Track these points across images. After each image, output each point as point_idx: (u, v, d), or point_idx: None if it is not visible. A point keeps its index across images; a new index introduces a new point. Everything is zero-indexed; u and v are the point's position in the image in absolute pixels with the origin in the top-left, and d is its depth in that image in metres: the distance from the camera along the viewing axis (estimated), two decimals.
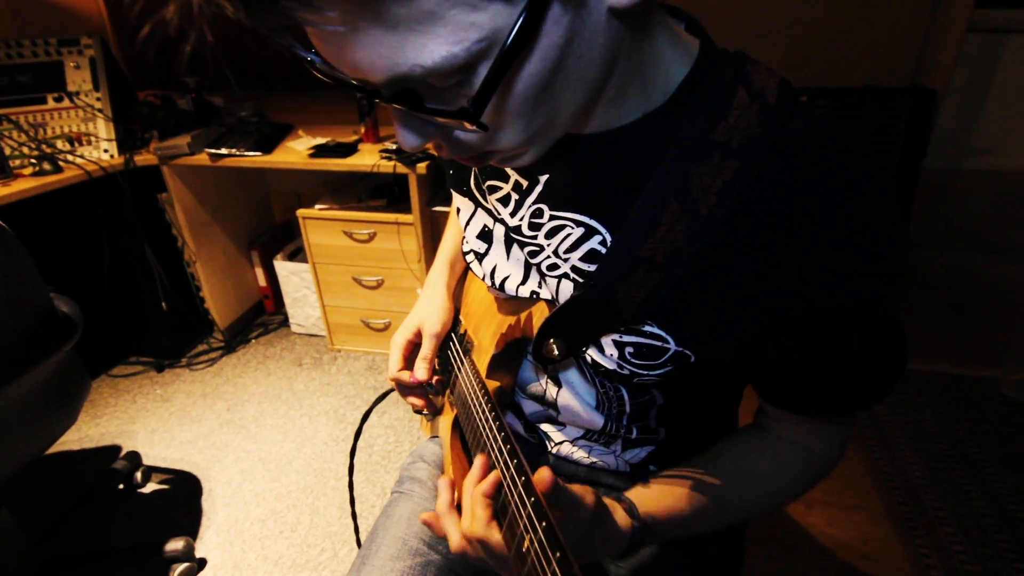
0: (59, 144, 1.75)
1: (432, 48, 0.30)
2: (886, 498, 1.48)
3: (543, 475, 0.42)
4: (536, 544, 0.38)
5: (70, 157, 1.71)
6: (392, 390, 0.81)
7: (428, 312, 0.73)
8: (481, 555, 0.47)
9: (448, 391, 0.72)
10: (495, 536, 0.44)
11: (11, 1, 2.20)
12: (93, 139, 1.80)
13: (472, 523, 0.46)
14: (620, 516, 0.50)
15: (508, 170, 0.55)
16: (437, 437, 0.83)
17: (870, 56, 2.16)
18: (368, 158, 1.75)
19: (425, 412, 0.78)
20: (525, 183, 0.53)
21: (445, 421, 0.72)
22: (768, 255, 0.42)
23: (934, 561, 1.32)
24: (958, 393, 1.82)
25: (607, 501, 0.50)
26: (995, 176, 3.39)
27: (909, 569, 1.31)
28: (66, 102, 1.79)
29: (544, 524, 0.38)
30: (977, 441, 1.64)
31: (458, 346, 0.72)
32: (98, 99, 1.81)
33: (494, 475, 0.47)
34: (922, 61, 2.16)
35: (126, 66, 2.19)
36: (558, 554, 0.36)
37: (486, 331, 0.65)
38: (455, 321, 0.75)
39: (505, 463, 0.46)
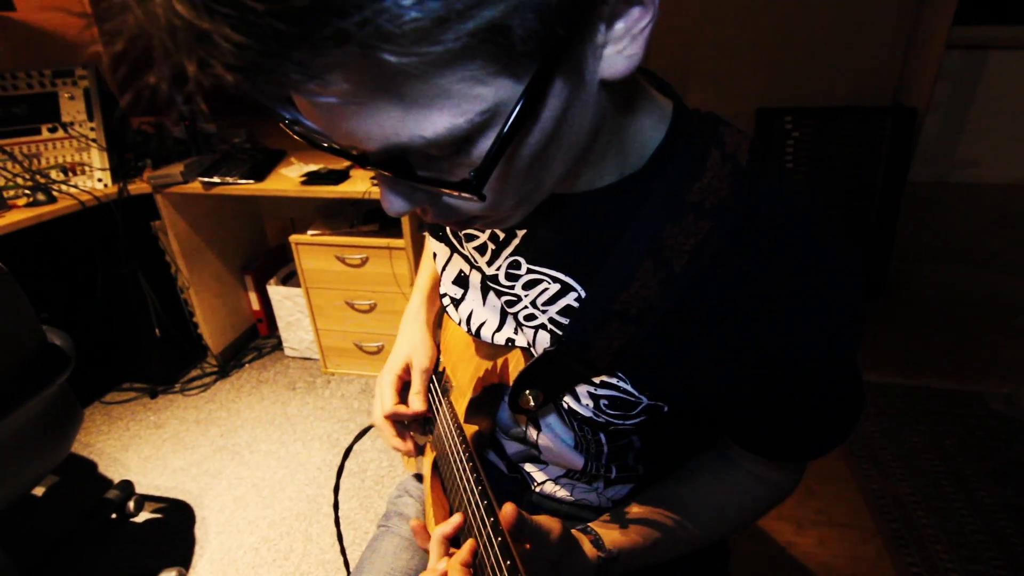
0: (53, 174, 1.77)
1: (435, 120, 0.30)
2: (876, 515, 1.49)
3: (507, 512, 0.43)
4: None
5: (64, 187, 1.73)
6: (371, 426, 0.79)
7: (413, 348, 0.73)
8: None
9: (429, 432, 0.72)
10: None
11: (6, 32, 2.23)
12: (87, 169, 1.82)
13: None
14: (587, 548, 0.52)
15: None
16: (420, 476, 0.83)
17: (852, 76, 2.21)
18: (360, 185, 1.78)
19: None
20: (502, 235, 0.54)
21: (427, 461, 0.72)
22: (738, 313, 0.44)
23: None
24: (946, 408, 1.84)
25: (575, 533, 0.52)
26: (980, 189, 3.45)
27: None
28: (60, 133, 1.81)
29: None
30: (966, 456, 1.66)
31: (437, 386, 0.72)
32: (92, 129, 1.83)
33: (470, 544, 0.47)
34: (903, 79, 2.21)
35: (120, 95, 2.21)
36: None
37: (464, 372, 0.65)
38: (436, 359, 0.76)
39: (482, 519, 0.47)
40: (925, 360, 2.06)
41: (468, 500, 0.51)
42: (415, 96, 0.29)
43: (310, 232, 1.94)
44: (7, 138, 1.76)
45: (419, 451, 0.77)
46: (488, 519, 0.46)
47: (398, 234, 1.83)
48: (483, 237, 0.55)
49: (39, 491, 1.69)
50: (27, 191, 1.66)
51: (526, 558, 0.41)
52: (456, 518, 0.51)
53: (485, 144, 0.31)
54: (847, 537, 1.45)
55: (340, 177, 1.83)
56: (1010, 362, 2.00)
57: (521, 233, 0.52)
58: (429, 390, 0.73)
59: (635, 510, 0.58)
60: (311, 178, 1.83)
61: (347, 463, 0.91)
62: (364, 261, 1.91)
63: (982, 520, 1.46)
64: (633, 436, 0.57)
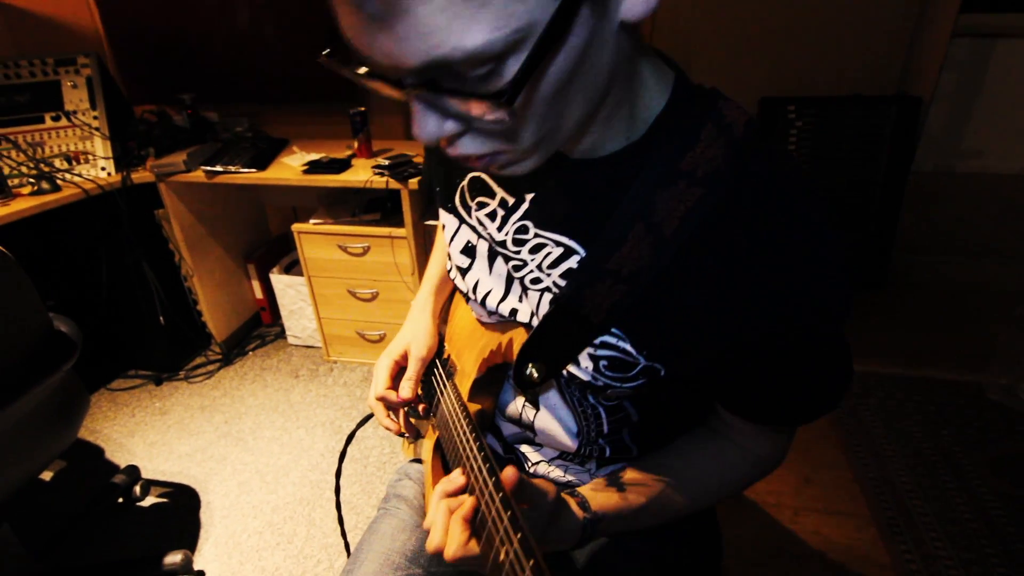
0: (57, 163, 1.78)
1: (475, 32, 0.32)
2: (872, 504, 1.51)
3: (508, 473, 0.46)
4: (512, 555, 0.41)
5: (68, 176, 1.74)
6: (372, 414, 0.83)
7: (414, 336, 0.76)
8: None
9: (431, 415, 0.75)
10: (474, 551, 0.47)
11: (8, 21, 2.23)
12: (90, 157, 1.83)
13: (450, 544, 0.48)
14: (575, 508, 0.55)
15: (495, 187, 0.58)
16: (419, 460, 0.86)
17: (857, 65, 2.19)
18: (362, 174, 1.78)
19: (407, 436, 0.80)
20: (512, 200, 0.56)
21: (427, 444, 0.74)
22: (728, 277, 0.46)
23: (919, 567, 1.34)
24: (944, 398, 1.85)
25: (564, 495, 0.55)
26: (985, 179, 3.42)
27: (894, 574, 1.33)
28: (63, 121, 1.82)
29: (520, 535, 0.41)
30: (963, 446, 1.67)
31: (442, 370, 0.74)
32: (95, 118, 1.84)
33: (471, 501, 0.49)
34: (908, 68, 2.19)
35: (123, 81, 2.22)
36: (532, 562, 0.39)
37: (468, 356, 0.68)
38: (439, 346, 0.78)
39: (484, 480, 0.49)
40: (925, 350, 2.06)
41: (471, 466, 0.53)
42: (459, 6, 0.31)
43: (312, 221, 1.94)
44: (11, 126, 1.78)
45: (417, 436, 0.79)
46: (490, 479, 0.48)
47: (400, 223, 1.84)
48: (493, 204, 0.58)
49: (47, 475, 1.72)
50: (31, 179, 1.67)
51: (524, 515, 0.43)
52: (458, 475, 0.53)
53: (515, 65, 0.34)
54: (843, 525, 1.47)
55: (342, 166, 1.83)
56: (1009, 353, 2.00)
57: (529, 197, 0.55)
58: (433, 374, 0.76)
59: (623, 477, 0.61)
60: (313, 167, 1.83)
61: (349, 449, 0.94)
62: (366, 250, 1.92)
63: (977, 510, 1.47)
64: (630, 407, 0.59)
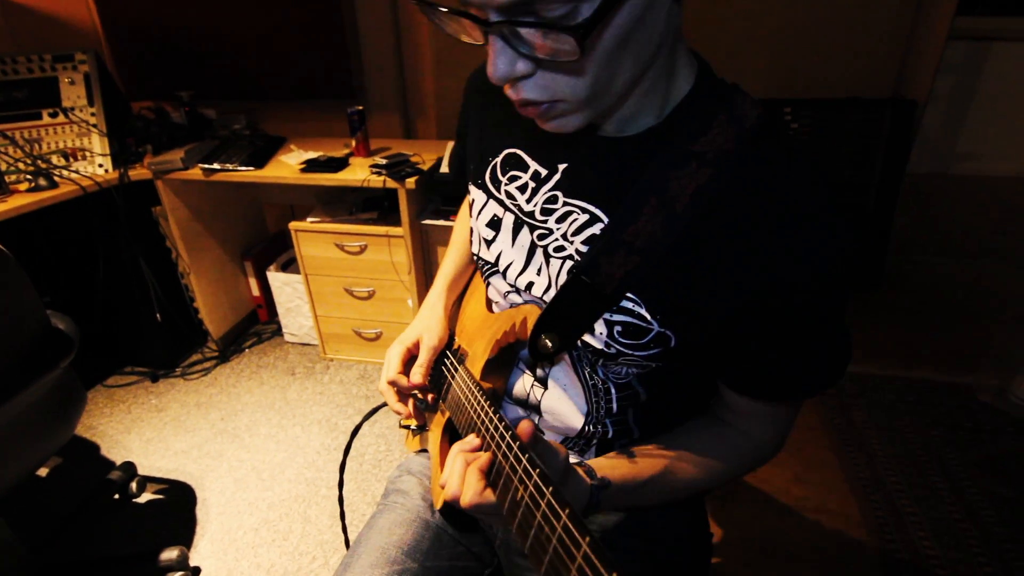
0: (54, 159, 1.78)
1: None
2: (863, 503, 1.52)
3: (524, 425, 0.48)
4: (532, 488, 0.43)
5: (65, 172, 1.74)
6: (381, 406, 0.85)
7: (426, 327, 0.79)
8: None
9: (440, 402, 0.76)
10: (490, 499, 0.49)
11: (6, 17, 2.23)
12: (88, 154, 1.83)
13: (467, 491, 0.50)
14: (582, 475, 0.56)
15: (529, 161, 0.63)
16: (424, 451, 0.87)
17: (853, 68, 2.20)
18: (359, 173, 1.79)
19: (412, 427, 0.82)
20: (544, 172, 0.61)
21: (434, 433, 0.76)
22: (737, 248, 0.50)
23: (907, 565, 1.36)
24: (935, 399, 1.87)
25: (571, 464, 0.57)
26: (979, 181, 3.45)
27: (882, 573, 1.35)
28: (61, 118, 1.82)
29: (538, 471, 0.44)
30: (953, 447, 1.68)
31: (453, 359, 0.76)
32: (93, 114, 1.84)
33: (487, 454, 0.52)
34: (904, 71, 2.20)
35: (120, 78, 2.22)
36: (551, 489, 0.41)
37: (480, 342, 0.70)
38: (450, 339, 0.80)
39: (500, 435, 0.51)
40: (918, 351, 2.08)
41: (487, 427, 0.55)
42: None
43: (309, 219, 1.95)
44: (8, 123, 1.77)
45: (421, 429, 0.81)
46: (507, 433, 0.50)
47: (397, 222, 1.84)
48: (525, 176, 0.63)
49: (43, 472, 1.73)
50: (28, 176, 1.67)
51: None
52: (473, 438, 0.55)
53: (589, 10, 0.39)
54: (834, 524, 1.48)
55: (339, 165, 1.84)
56: (1001, 354, 2.02)
57: (562, 168, 0.60)
58: (444, 364, 0.78)
59: (629, 452, 0.63)
60: (310, 165, 1.84)
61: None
62: (363, 249, 1.92)
63: (966, 510, 1.49)
64: (639, 387, 0.62)
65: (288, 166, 1.87)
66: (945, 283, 2.51)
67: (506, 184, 0.65)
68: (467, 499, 0.49)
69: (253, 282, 2.37)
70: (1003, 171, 3.45)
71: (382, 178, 1.74)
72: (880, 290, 2.43)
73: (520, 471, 0.45)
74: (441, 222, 1.86)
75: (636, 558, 0.69)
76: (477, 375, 0.67)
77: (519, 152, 0.64)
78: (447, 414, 0.72)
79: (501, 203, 0.66)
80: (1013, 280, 2.50)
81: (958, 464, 1.63)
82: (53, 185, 1.68)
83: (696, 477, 0.63)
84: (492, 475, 0.50)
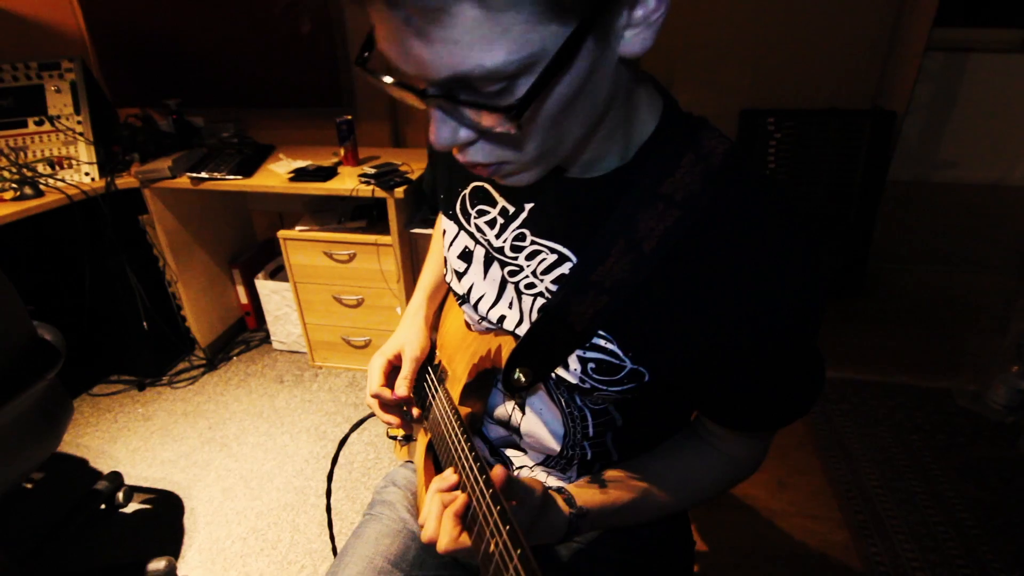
0: (40, 168, 1.77)
1: (495, 53, 0.36)
2: (845, 507, 1.55)
3: (498, 471, 0.49)
4: (501, 545, 0.44)
5: (51, 181, 1.73)
6: (369, 416, 0.87)
7: (408, 338, 0.80)
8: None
9: (424, 419, 0.78)
10: (465, 544, 0.51)
11: None
12: (74, 163, 1.82)
13: (443, 537, 0.52)
14: (561, 504, 0.58)
15: (497, 196, 0.62)
16: (411, 462, 0.89)
17: (834, 79, 2.25)
18: (348, 182, 1.80)
19: (399, 438, 0.83)
20: (512, 209, 0.60)
21: (419, 446, 0.77)
22: (705, 288, 0.50)
23: (888, 568, 1.39)
24: (915, 404, 1.90)
25: (550, 492, 0.58)
26: (958, 189, 3.52)
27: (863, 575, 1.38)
28: (47, 126, 1.81)
29: (508, 528, 0.44)
30: (932, 451, 1.72)
31: (433, 376, 0.77)
32: (79, 123, 1.83)
33: (463, 497, 0.53)
34: (883, 83, 2.26)
35: (107, 86, 2.21)
36: (519, 551, 0.42)
37: (459, 362, 0.71)
38: (432, 352, 0.81)
39: (475, 478, 0.52)
40: (898, 358, 2.12)
41: (463, 465, 0.56)
42: (485, 29, 0.35)
43: (298, 228, 1.95)
44: None
45: (408, 439, 0.82)
46: (481, 477, 0.51)
47: (385, 231, 1.85)
48: (494, 212, 0.62)
49: (29, 481, 1.71)
50: (14, 184, 1.66)
51: (513, 510, 0.46)
52: (450, 473, 0.56)
53: (526, 85, 0.38)
54: (817, 527, 1.51)
55: (328, 174, 1.85)
56: (978, 360, 2.07)
57: (528, 207, 0.59)
58: (425, 379, 0.79)
59: (607, 475, 0.64)
60: (299, 175, 1.84)
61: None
62: (352, 257, 1.93)
63: (944, 512, 1.53)
64: (615, 413, 0.63)
65: (277, 175, 1.88)
66: (925, 290, 2.57)
67: (475, 217, 0.64)
68: (443, 545, 0.51)
69: (241, 290, 2.37)
70: (981, 179, 3.52)
71: (371, 187, 1.75)
72: (861, 297, 2.48)
73: (492, 523, 0.47)
74: (430, 231, 1.88)
75: (615, 568, 0.70)
76: (456, 398, 0.68)
77: (486, 186, 0.64)
78: (429, 435, 0.74)
79: (472, 236, 0.65)
80: (991, 287, 2.56)
81: (937, 468, 1.67)
82: (39, 194, 1.67)
83: (676, 498, 0.64)
84: (467, 519, 0.52)
